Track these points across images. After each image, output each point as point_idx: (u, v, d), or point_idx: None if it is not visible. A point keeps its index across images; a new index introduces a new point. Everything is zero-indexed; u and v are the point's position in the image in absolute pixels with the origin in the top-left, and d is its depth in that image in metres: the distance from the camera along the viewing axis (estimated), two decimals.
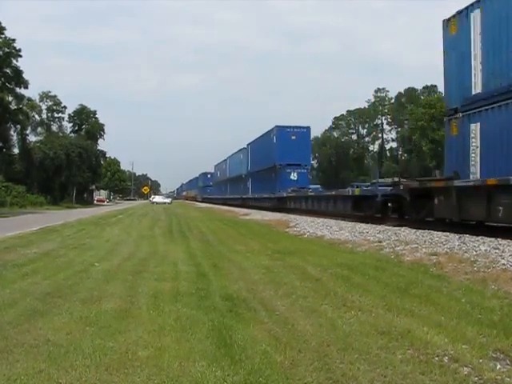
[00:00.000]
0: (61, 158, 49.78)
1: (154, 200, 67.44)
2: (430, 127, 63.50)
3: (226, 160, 51.45)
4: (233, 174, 46.06)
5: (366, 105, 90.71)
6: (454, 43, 11.67)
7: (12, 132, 45.94)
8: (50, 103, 58.63)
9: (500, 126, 10.07)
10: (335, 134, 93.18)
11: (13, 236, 12.79)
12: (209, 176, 71.34)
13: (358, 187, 15.87)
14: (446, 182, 11.49)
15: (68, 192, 55.44)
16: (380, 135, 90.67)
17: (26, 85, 42.49)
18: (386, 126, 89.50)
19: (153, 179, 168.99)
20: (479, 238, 9.39)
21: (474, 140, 10.89)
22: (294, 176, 28.41)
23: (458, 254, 8.06)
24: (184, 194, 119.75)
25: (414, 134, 66.32)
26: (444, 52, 12.18)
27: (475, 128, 10.89)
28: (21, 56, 40.81)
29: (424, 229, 11.60)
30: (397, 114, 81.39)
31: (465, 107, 11.23)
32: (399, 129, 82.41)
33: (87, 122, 65.40)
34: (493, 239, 9.02)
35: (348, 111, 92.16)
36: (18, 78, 41.35)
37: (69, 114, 62.89)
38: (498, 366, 3.44)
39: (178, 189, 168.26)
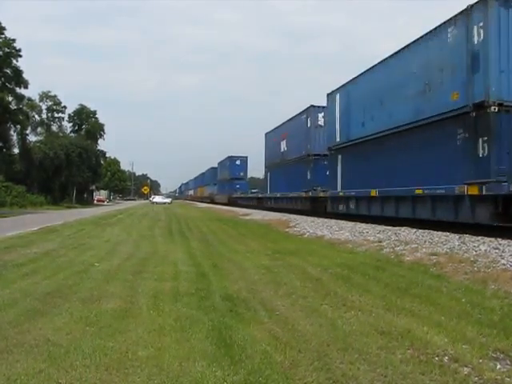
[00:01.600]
0: (61, 158, 49.75)
1: (154, 200, 67.45)
2: None
3: (303, 114, 23.18)
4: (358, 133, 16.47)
5: None
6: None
7: (12, 132, 45.94)
8: (50, 103, 58.53)
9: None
10: None
11: (13, 236, 12.80)
12: (238, 162, 43.62)
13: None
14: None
15: (68, 192, 55.43)
16: None
17: (25, 85, 42.50)
18: None
19: (153, 179, 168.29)
20: (479, 238, 9.39)
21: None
22: None
23: (458, 253, 8.06)
24: (190, 193, 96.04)
25: None
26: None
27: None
28: (21, 56, 40.85)
29: (424, 229, 11.60)
30: None
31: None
32: None
33: (87, 122, 65.36)
34: (493, 239, 9.01)
35: None
36: (18, 78, 41.33)
37: (69, 114, 62.91)
38: (498, 366, 3.44)
39: (181, 187, 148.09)
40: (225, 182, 50.96)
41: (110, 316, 4.73)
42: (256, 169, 62.14)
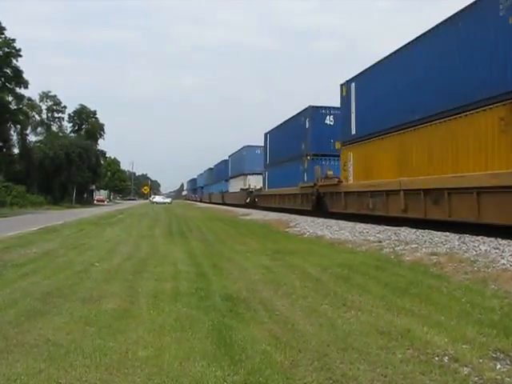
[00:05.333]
0: (61, 158, 49.74)
1: (154, 200, 67.68)
2: None
3: None
4: None
5: None
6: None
7: (12, 132, 45.98)
8: (50, 103, 58.62)
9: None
10: None
11: (13, 236, 12.79)
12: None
13: None
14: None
15: (68, 192, 55.37)
16: None
17: (26, 85, 42.56)
18: None
19: (153, 179, 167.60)
20: (479, 237, 9.39)
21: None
22: None
23: (458, 253, 8.06)
24: (231, 189, 46.18)
25: None
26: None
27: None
28: (21, 56, 40.93)
29: (424, 229, 11.60)
30: None
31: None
32: None
33: (87, 122, 65.36)
34: (493, 239, 9.01)
35: None
36: (18, 78, 41.37)
37: (69, 114, 62.94)
38: (498, 366, 3.44)
39: (194, 180, 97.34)
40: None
41: (110, 316, 4.72)
42: None
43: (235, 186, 43.46)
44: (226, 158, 51.91)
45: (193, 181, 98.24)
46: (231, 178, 47.02)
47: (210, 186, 64.82)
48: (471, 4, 10.56)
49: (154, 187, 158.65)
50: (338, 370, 3.35)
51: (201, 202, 73.75)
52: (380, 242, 10.54)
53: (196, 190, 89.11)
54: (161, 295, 5.67)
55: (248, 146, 40.48)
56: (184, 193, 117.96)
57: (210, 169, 67.11)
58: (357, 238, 11.72)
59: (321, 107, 21.95)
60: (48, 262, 8.35)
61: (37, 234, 13.70)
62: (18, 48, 40.38)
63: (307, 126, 22.23)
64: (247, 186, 37.71)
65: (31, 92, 61.65)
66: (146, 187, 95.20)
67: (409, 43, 13.28)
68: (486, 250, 7.99)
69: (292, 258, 8.87)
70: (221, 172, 54.90)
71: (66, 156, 50.67)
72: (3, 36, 39.77)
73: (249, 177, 38.74)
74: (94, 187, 72.82)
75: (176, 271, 7.46)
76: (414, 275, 6.80)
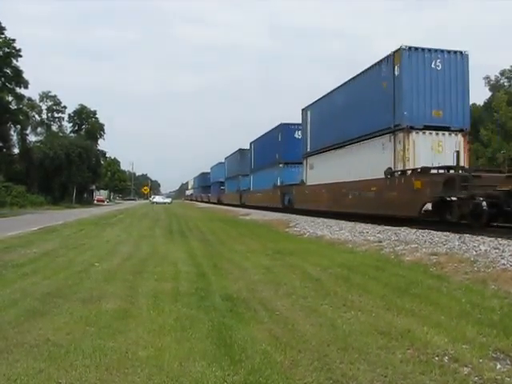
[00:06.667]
0: (61, 158, 49.69)
1: (154, 200, 67.65)
2: None
3: None
4: None
5: None
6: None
7: (12, 132, 45.98)
8: (50, 103, 58.66)
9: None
10: None
11: (13, 236, 12.79)
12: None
13: None
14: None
15: (68, 192, 55.31)
16: None
17: (26, 85, 42.55)
18: None
19: (153, 179, 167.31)
20: (479, 237, 9.39)
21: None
22: None
23: (458, 253, 8.06)
24: (312, 178, 21.01)
25: None
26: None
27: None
28: (21, 56, 40.88)
29: (424, 229, 11.61)
30: None
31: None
32: None
33: (87, 122, 65.30)
34: (493, 239, 9.02)
35: None
36: (18, 78, 41.37)
37: (69, 114, 62.88)
38: (498, 366, 3.44)
39: (197, 178, 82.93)
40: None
41: (110, 316, 4.73)
42: None
43: (342, 169, 17.89)
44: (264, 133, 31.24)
45: (203, 176, 72.36)
46: (316, 153, 21.22)
47: (241, 179, 39.02)
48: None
49: (154, 187, 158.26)
50: (338, 370, 3.35)
51: (219, 203, 50.36)
52: (380, 242, 10.54)
53: (209, 187, 64.12)
54: (161, 295, 5.67)
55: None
56: (189, 192, 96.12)
57: (241, 150, 40.34)
58: (357, 237, 11.72)
59: None
60: (48, 262, 8.35)
61: (37, 234, 13.70)
62: (18, 48, 40.43)
63: None
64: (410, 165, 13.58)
65: (31, 92, 61.75)
66: (146, 187, 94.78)
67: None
68: (486, 250, 7.99)
69: (292, 258, 8.88)
70: (271, 150, 28.92)
71: (66, 156, 50.62)
72: (3, 36, 39.76)
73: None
74: (94, 187, 72.77)
75: (176, 271, 7.46)
76: (414, 275, 6.80)
